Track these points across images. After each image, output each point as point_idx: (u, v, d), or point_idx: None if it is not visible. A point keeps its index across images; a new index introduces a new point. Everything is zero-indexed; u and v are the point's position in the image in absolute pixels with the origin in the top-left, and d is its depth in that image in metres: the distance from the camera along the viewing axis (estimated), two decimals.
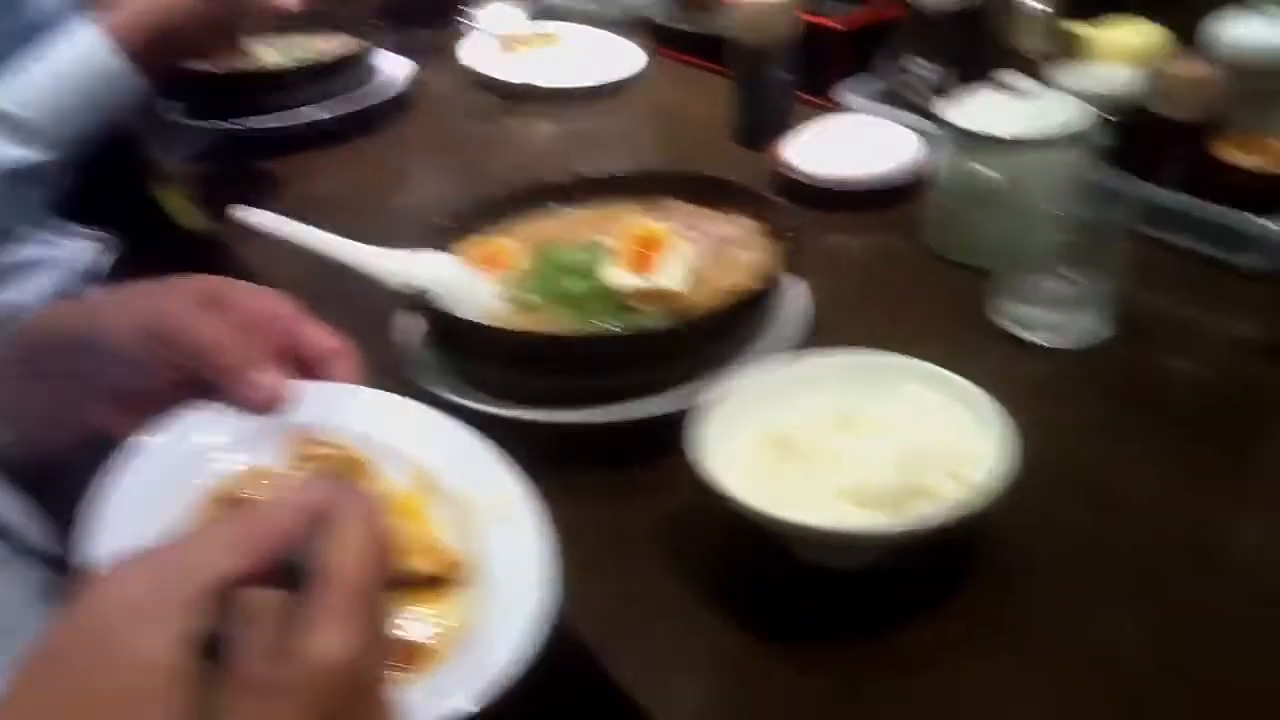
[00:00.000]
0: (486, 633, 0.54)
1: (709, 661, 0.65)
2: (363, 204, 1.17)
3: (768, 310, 0.83)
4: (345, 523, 0.46)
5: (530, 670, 0.53)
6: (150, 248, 1.05)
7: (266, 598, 0.44)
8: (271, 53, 1.36)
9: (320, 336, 0.64)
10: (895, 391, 0.72)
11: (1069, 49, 1.12)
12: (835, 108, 1.22)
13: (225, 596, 0.43)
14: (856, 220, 1.07)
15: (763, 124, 1.20)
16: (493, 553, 0.58)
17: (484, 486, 0.61)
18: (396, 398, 0.65)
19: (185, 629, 0.42)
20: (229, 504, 0.57)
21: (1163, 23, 1.11)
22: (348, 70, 1.35)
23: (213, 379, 0.60)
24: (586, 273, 0.84)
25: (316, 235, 0.79)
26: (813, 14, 1.25)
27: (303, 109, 1.29)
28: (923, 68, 1.19)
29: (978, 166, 0.95)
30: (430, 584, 0.56)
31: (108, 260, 1.08)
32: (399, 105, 1.36)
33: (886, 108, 1.19)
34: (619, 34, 1.50)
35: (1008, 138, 0.94)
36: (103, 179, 1.08)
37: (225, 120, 1.27)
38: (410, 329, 0.85)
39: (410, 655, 0.53)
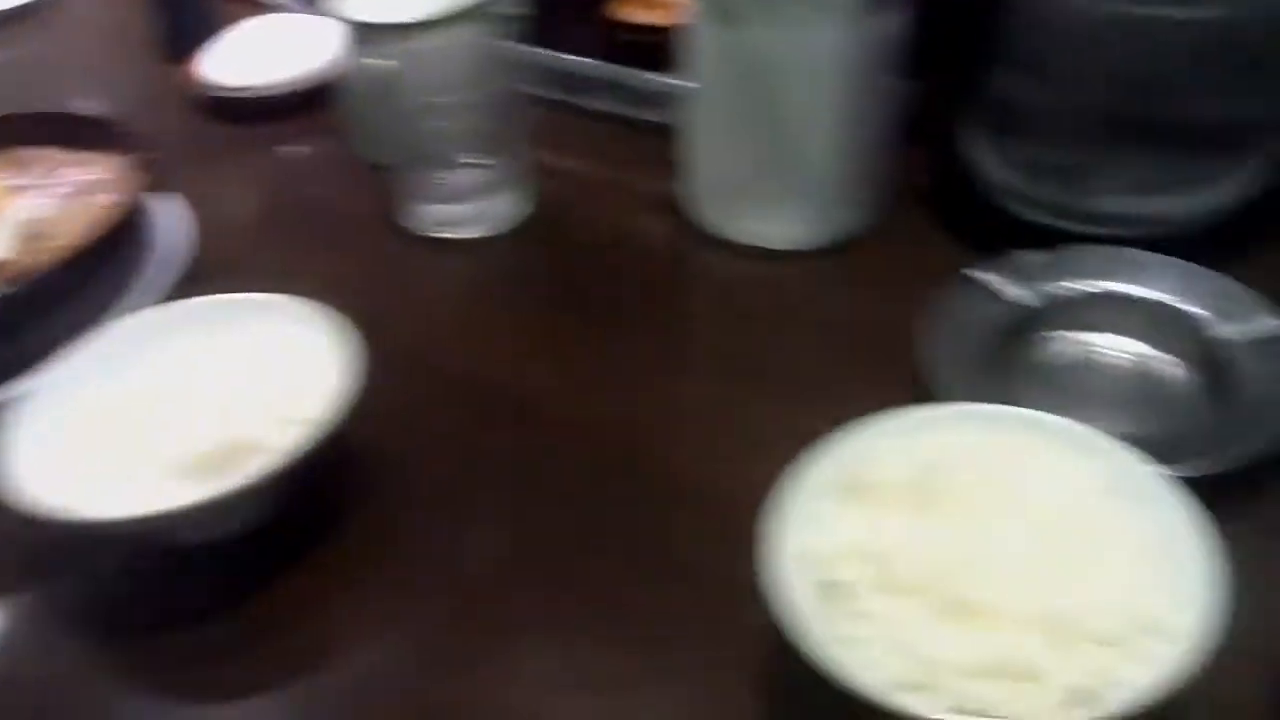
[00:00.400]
0: None
1: None
2: None
3: (127, 260, 0.76)
4: None
5: None
6: None
7: None
8: None
9: None
10: (243, 335, 0.66)
11: None
12: (260, 7, 1.13)
13: None
14: (280, 131, 0.99)
15: (182, 33, 1.09)
16: None
17: None
18: None
19: None
20: None
21: None
22: None
23: None
24: None
25: None
26: None
27: None
28: None
29: (371, 59, 0.89)
30: None
31: None
32: None
33: (307, 2, 1.10)
34: None
35: (395, 24, 0.88)
36: None
37: None
38: None
39: None
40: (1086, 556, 0.47)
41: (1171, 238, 0.74)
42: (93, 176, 0.80)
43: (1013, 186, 0.79)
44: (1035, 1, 0.75)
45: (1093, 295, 0.71)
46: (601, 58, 0.94)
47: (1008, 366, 0.69)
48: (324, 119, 0.98)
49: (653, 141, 0.89)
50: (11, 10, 1.23)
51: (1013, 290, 0.71)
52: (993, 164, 0.80)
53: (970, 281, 0.72)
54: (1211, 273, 0.71)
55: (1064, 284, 0.72)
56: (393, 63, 0.89)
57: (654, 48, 0.92)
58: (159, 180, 0.79)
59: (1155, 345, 0.70)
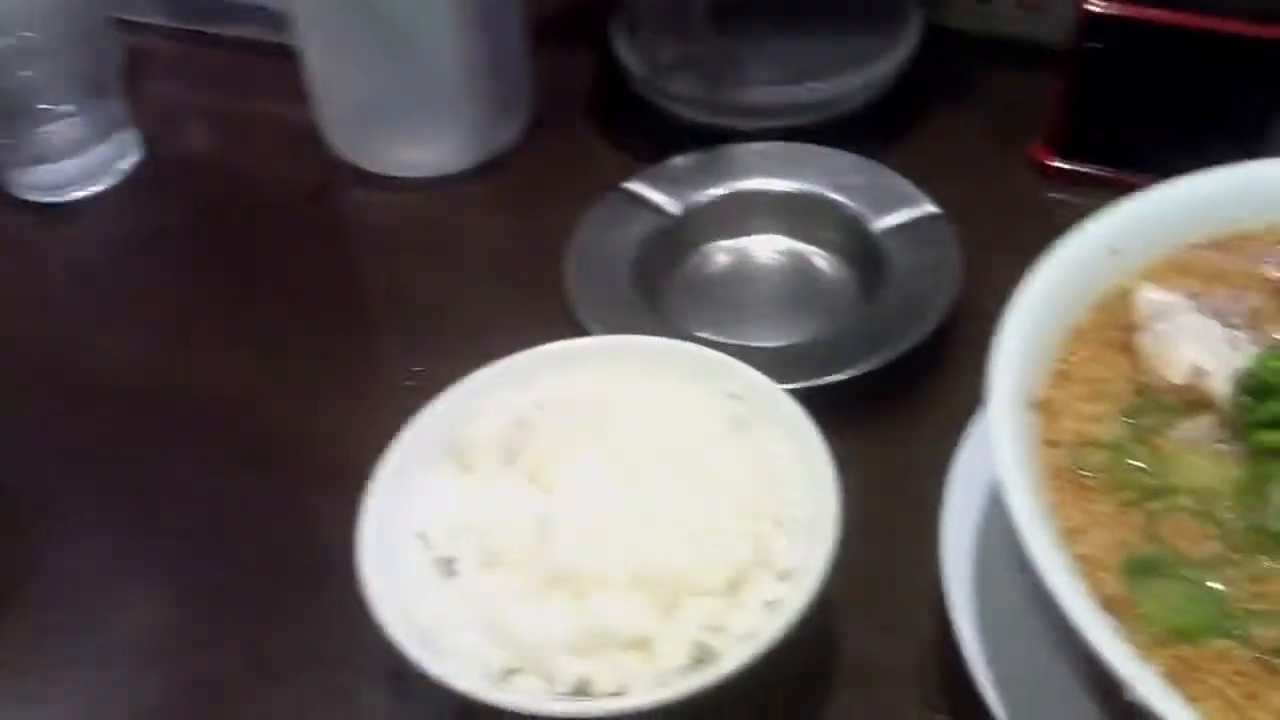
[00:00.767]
0: None
1: None
2: None
3: None
4: None
5: None
6: None
7: None
8: None
9: None
10: None
11: None
12: None
13: None
14: None
15: None
16: None
17: None
18: None
19: None
20: None
21: None
22: None
23: None
24: None
25: None
26: None
27: None
28: None
29: None
30: None
31: None
32: None
33: None
34: None
35: None
36: None
37: None
38: None
39: None
40: (695, 503, 0.43)
41: (825, 126, 0.71)
42: None
43: (664, 86, 0.74)
44: None
45: (743, 195, 0.67)
46: None
47: (659, 283, 0.64)
48: None
49: (292, 68, 0.80)
50: None
51: (662, 200, 0.67)
52: (642, 63, 0.74)
53: (621, 194, 0.67)
54: (866, 161, 0.68)
55: (716, 188, 0.67)
56: None
57: None
58: None
59: (810, 242, 0.66)
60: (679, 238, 0.66)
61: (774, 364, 0.52)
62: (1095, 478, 0.41)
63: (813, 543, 0.43)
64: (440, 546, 0.44)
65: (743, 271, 0.66)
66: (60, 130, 0.73)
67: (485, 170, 0.74)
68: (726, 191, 0.67)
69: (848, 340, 0.58)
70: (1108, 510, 0.40)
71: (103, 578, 0.55)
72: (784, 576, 0.43)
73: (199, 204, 0.75)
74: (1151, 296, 0.45)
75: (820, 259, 0.66)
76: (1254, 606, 0.37)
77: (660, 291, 0.64)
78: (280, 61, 0.77)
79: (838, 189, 0.66)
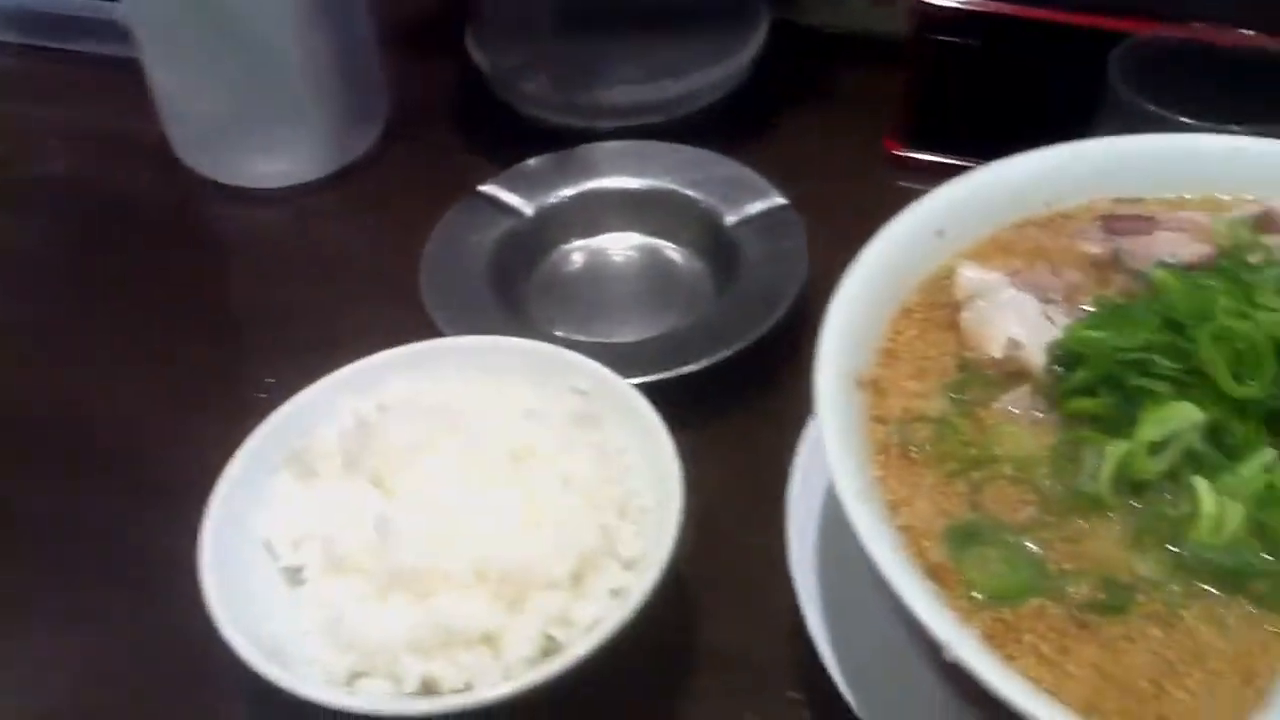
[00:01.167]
0: None
1: None
2: None
3: None
4: None
5: None
6: None
7: None
8: None
9: None
10: None
11: None
12: None
13: None
14: None
15: None
16: None
17: None
18: None
19: None
20: None
21: None
22: None
23: None
24: None
25: None
26: None
27: None
28: None
29: None
30: None
31: None
32: None
33: None
34: None
35: None
36: None
37: None
38: None
39: None
40: (539, 497, 0.44)
41: (679, 124, 0.72)
42: None
43: (518, 88, 0.74)
44: None
45: (597, 194, 0.68)
46: None
47: (516, 285, 0.65)
48: None
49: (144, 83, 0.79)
50: None
51: (516, 201, 0.67)
52: (496, 66, 0.75)
53: (476, 198, 0.68)
54: (716, 155, 0.69)
55: (570, 188, 0.68)
56: None
57: None
58: None
59: (664, 238, 0.67)
60: (535, 239, 0.67)
61: (628, 359, 0.52)
62: (921, 451, 0.42)
63: (658, 532, 0.43)
64: (285, 556, 0.44)
65: (598, 270, 0.67)
66: None
67: (341, 178, 0.74)
68: (580, 191, 0.68)
69: (700, 333, 0.59)
70: (932, 482, 0.41)
71: None
72: (629, 565, 0.43)
73: (54, 221, 0.73)
74: (971, 275, 0.47)
75: (674, 253, 0.67)
76: (1068, 566, 0.39)
77: (518, 293, 0.64)
78: (133, 75, 0.75)
79: (689, 184, 0.67)
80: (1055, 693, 0.35)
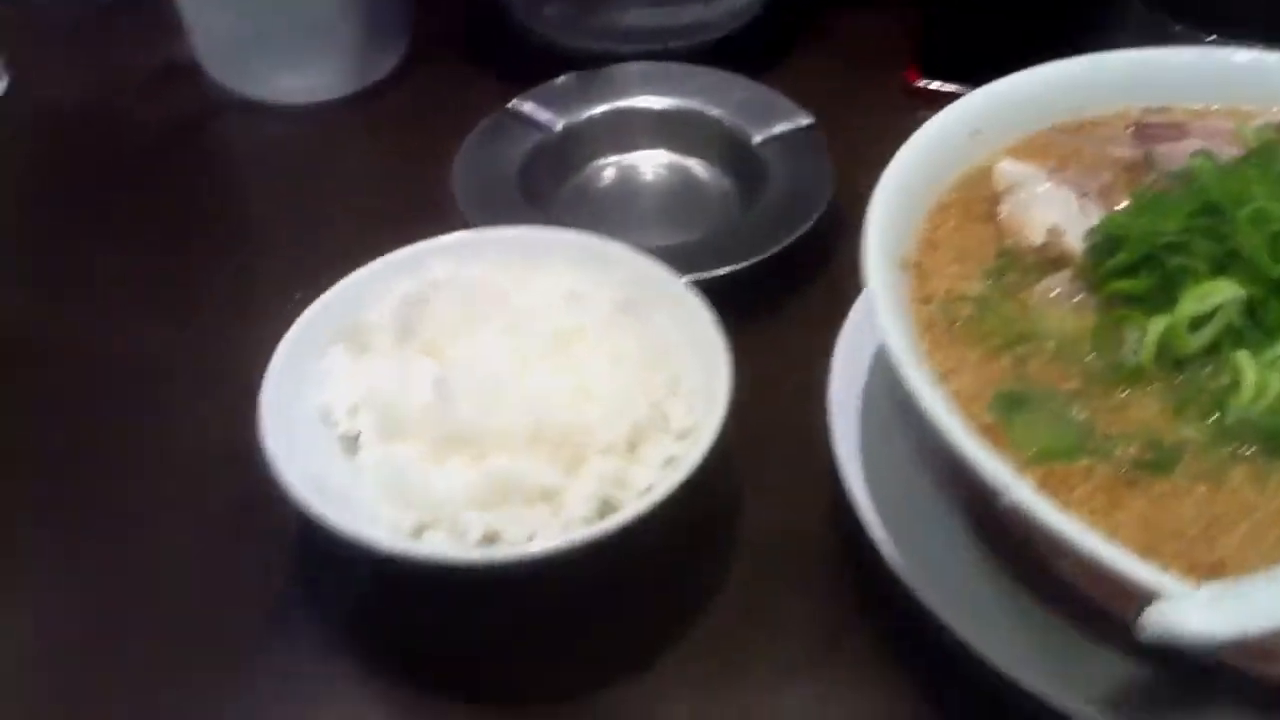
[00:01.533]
0: None
1: None
2: None
3: None
4: None
5: None
6: None
7: None
8: None
9: None
10: None
11: None
12: None
13: None
14: None
15: None
16: None
17: None
18: None
19: None
20: None
21: None
22: None
23: None
24: None
25: None
26: None
27: None
28: None
29: None
30: None
31: None
32: None
33: None
34: None
35: None
36: None
37: None
38: None
39: None
40: (590, 369, 0.45)
41: (701, 50, 0.73)
42: None
43: (541, 12, 0.75)
44: None
45: (625, 113, 0.68)
46: None
47: (545, 198, 0.65)
48: None
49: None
50: None
51: (546, 117, 0.68)
52: None
53: (505, 115, 0.68)
54: (742, 78, 0.70)
55: (597, 106, 0.69)
56: None
57: None
58: None
59: (689, 155, 0.68)
60: (564, 155, 0.67)
61: (662, 259, 0.53)
62: (964, 328, 0.44)
63: (707, 405, 0.45)
64: (342, 425, 0.45)
65: (627, 185, 0.68)
66: None
67: (366, 97, 0.74)
68: (607, 109, 0.69)
69: (731, 239, 0.60)
70: (978, 356, 0.43)
71: None
72: (681, 436, 0.44)
73: (79, 136, 0.73)
74: (1010, 168, 0.49)
75: (702, 170, 0.68)
76: (1113, 431, 0.40)
77: (547, 205, 0.65)
78: None
79: (716, 105, 0.68)
80: (1110, 537, 0.36)
